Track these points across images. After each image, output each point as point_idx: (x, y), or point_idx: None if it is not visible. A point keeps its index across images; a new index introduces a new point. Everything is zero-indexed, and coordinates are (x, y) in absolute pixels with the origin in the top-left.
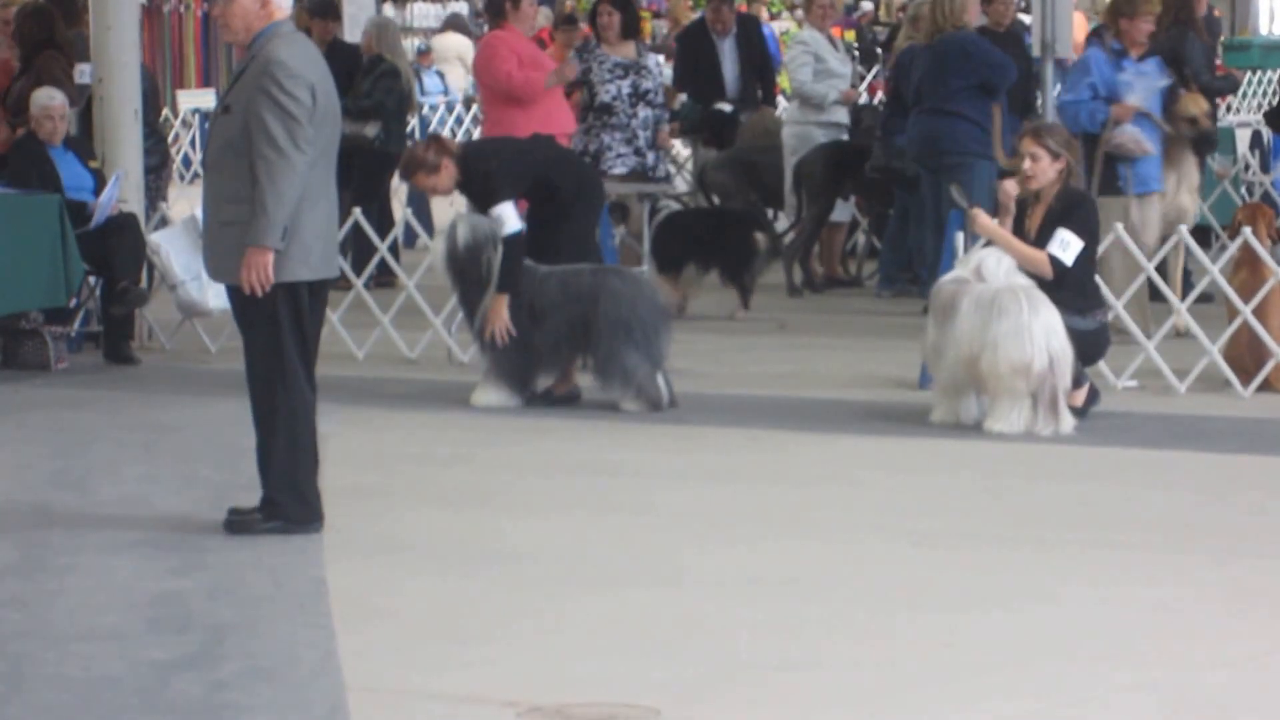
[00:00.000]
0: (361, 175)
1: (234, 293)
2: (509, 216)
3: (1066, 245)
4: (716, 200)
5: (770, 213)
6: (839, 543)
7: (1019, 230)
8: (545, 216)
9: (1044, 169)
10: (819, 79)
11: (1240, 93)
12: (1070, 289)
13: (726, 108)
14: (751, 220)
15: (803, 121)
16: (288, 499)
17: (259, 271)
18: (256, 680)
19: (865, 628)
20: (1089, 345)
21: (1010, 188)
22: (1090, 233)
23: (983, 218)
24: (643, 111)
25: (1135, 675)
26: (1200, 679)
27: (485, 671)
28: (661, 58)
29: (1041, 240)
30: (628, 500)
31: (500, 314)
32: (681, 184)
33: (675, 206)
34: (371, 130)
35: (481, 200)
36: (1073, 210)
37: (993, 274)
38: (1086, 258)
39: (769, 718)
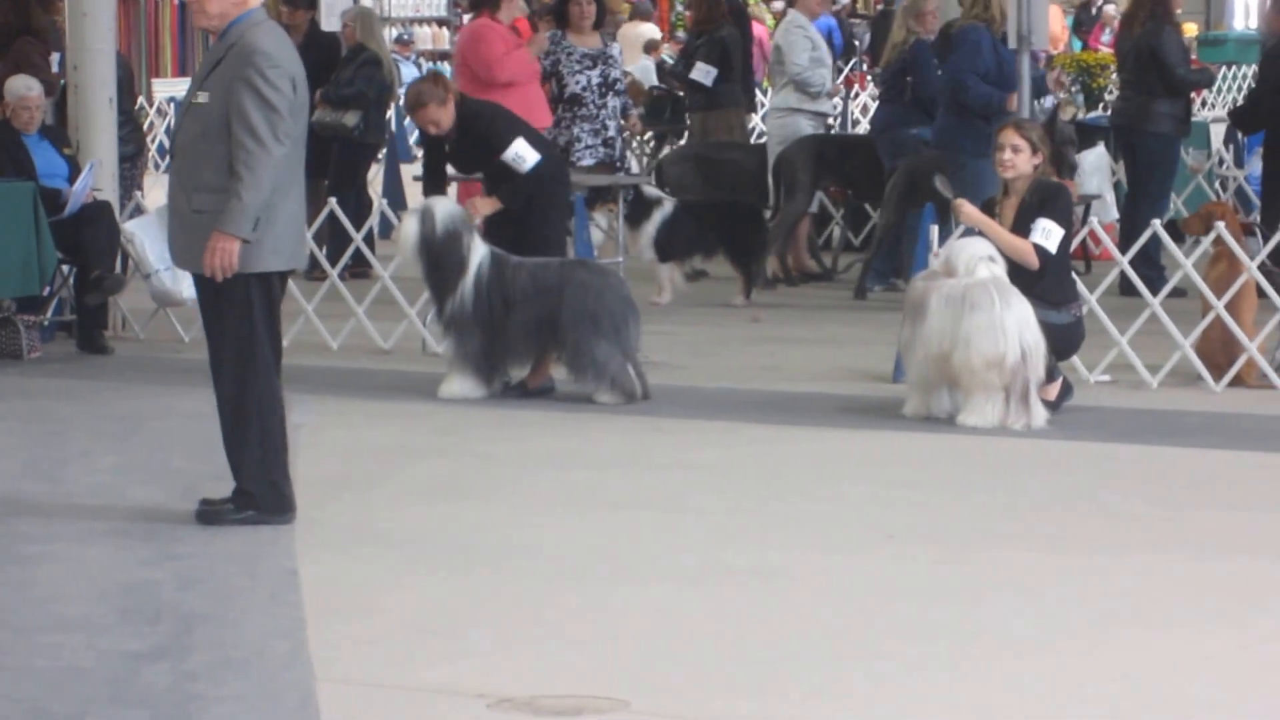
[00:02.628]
0: (339, 164)
1: (205, 282)
2: (526, 152)
3: (1049, 233)
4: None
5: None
6: (813, 535)
7: None
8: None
9: (1024, 161)
10: (813, 66)
11: (1215, 87)
12: (1048, 280)
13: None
14: (759, 212)
15: (793, 109)
16: (260, 489)
17: (226, 258)
18: (227, 671)
19: (838, 620)
20: (1063, 339)
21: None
22: (1067, 223)
23: (968, 208)
24: (611, 101)
25: (1108, 668)
26: (1172, 673)
27: (456, 663)
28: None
29: (1017, 233)
30: (601, 493)
31: (487, 208)
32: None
33: (656, 195)
34: (351, 119)
35: (483, 144)
36: (1049, 200)
37: (954, 263)
38: (1063, 249)
39: (740, 709)
